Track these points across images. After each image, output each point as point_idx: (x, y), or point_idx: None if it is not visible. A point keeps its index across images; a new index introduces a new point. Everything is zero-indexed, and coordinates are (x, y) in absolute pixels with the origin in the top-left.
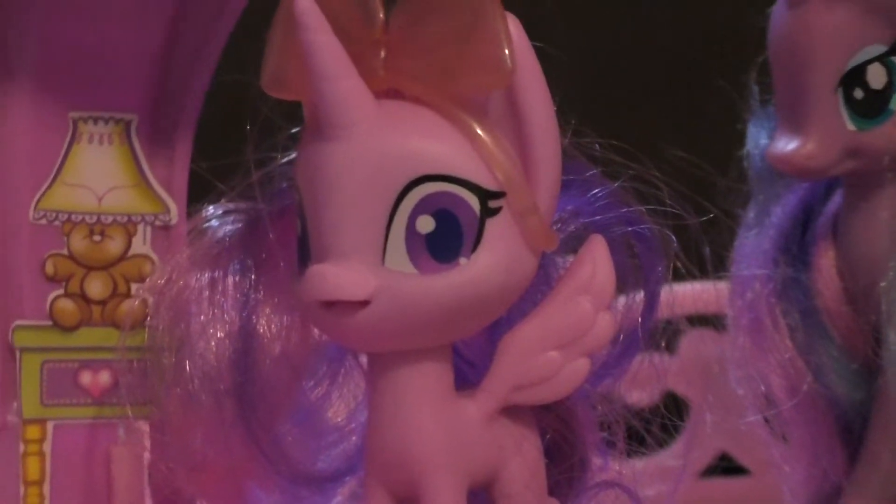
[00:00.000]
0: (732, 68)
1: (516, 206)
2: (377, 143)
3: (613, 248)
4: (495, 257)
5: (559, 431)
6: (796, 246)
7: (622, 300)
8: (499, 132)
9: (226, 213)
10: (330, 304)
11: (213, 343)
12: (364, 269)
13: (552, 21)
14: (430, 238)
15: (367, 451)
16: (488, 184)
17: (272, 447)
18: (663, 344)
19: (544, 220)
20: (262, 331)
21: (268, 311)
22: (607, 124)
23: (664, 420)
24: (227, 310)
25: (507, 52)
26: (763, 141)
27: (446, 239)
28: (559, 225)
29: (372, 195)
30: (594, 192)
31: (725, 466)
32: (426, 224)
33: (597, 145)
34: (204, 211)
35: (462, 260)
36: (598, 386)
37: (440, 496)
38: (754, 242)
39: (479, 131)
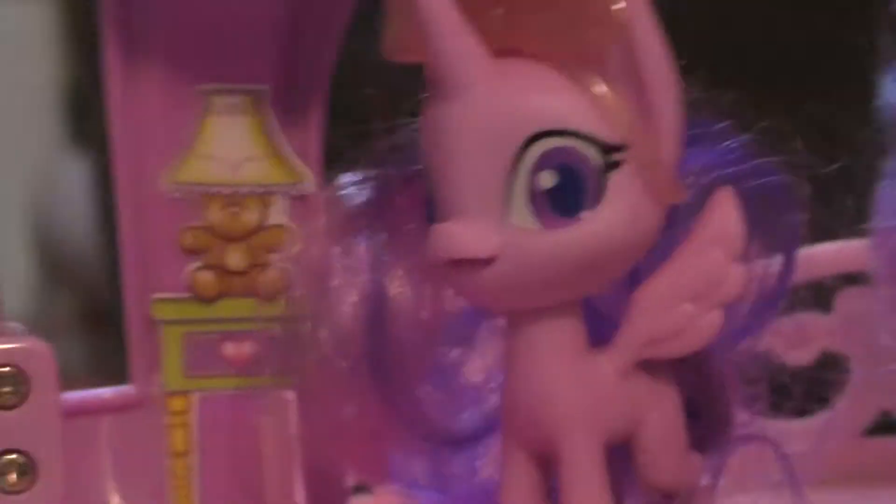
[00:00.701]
0: (869, 19)
1: (638, 158)
2: (495, 101)
3: (748, 201)
4: (619, 211)
5: (700, 387)
6: None
7: (761, 256)
8: (618, 85)
9: (358, 180)
10: (457, 263)
11: (346, 308)
12: (487, 226)
13: None
14: (552, 193)
15: (503, 410)
16: (609, 137)
17: (409, 410)
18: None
19: (668, 171)
20: (393, 294)
21: (399, 274)
22: (740, 78)
23: (822, 379)
24: (359, 275)
25: (619, 4)
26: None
27: (568, 193)
28: (691, 179)
29: (492, 152)
30: (727, 144)
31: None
32: (548, 179)
33: (728, 99)
34: (338, 180)
35: (585, 214)
36: (741, 342)
37: (577, 453)
38: (894, 193)
39: (598, 85)
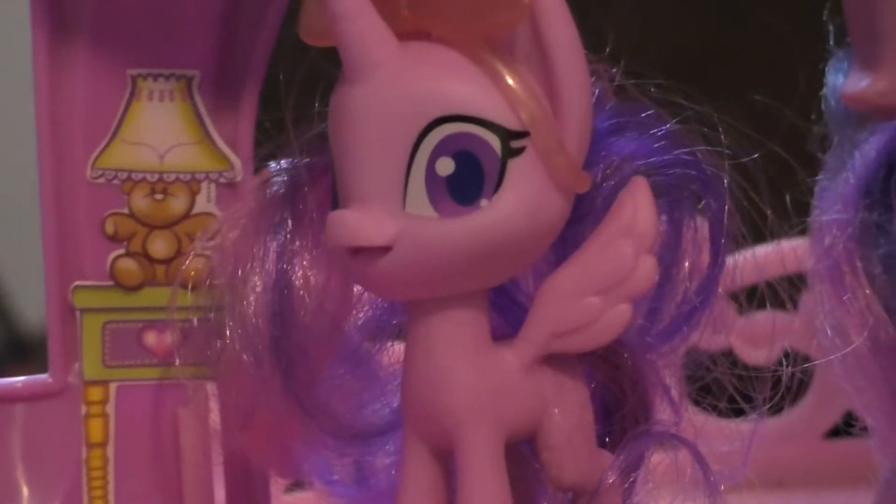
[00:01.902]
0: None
1: (541, 145)
2: (397, 85)
3: (671, 193)
4: (519, 198)
5: (614, 383)
6: (878, 189)
7: (692, 253)
8: (525, 70)
9: (273, 169)
10: (355, 251)
11: (252, 299)
12: (384, 214)
13: None
14: (451, 180)
15: (403, 401)
16: (511, 123)
17: (314, 403)
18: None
19: (572, 158)
20: (298, 284)
21: (305, 264)
22: (675, 65)
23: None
24: (265, 265)
25: None
26: (841, 82)
27: (466, 181)
28: (613, 168)
29: (391, 138)
30: (653, 133)
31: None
32: (446, 166)
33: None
34: (263, 168)
35: (483, 202)
36: (671, 341)
37: (474, 447)
38: (834, 187)
39: (502, 70)
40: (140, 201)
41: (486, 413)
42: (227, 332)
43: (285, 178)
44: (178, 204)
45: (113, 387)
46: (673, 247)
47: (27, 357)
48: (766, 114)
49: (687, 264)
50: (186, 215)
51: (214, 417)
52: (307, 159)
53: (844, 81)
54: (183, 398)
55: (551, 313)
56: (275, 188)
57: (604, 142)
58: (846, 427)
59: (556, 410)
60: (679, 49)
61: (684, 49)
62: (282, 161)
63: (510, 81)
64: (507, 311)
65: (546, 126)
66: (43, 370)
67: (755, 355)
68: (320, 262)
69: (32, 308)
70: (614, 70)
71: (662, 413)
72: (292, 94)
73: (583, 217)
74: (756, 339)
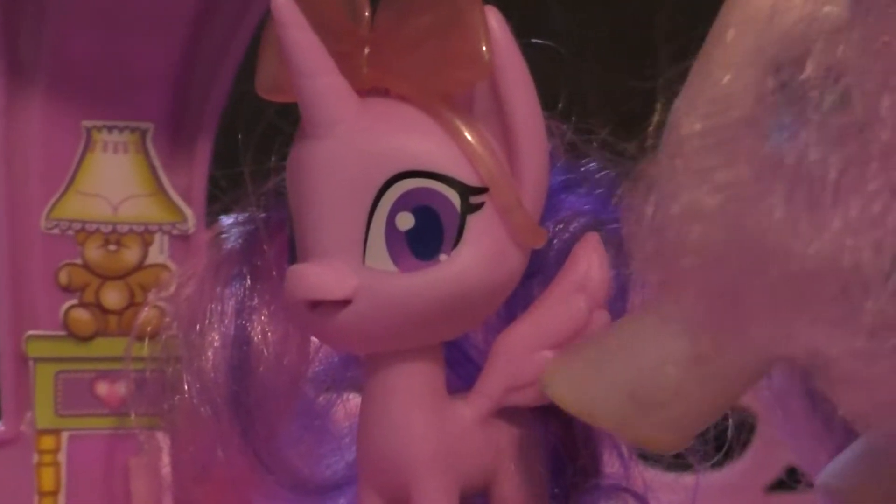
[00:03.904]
0: None
1: (499, 201)
2: (357, 141)
3: (621, 248)
4: (477, 254)
5: (566, 437)
6: None
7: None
8: (483, 127)
9: (231, 223)
10: (315, 305)
11: (210, 353)
12: (344, 267)
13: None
14: (410, 235)
15: (358, 454)
16: (470, 179)
17: (271, 457)
18: None
19: (529, 215)
20: (257, 340)
21: (264, 319)
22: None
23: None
24: (224, 320)
25: (483, 46)
26: None
27: (426, 236)
28: (562, 224)
29: (352, 193)
30: (604, 189)
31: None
32: (406, 221)
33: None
34: (215, 222)
35: (443, 257)
36: None
37: (429, 499)
38: None
39: (461, 127)
40: (94, 252)
41: (441, 465)
42: (185, 386)
43: (242, 233)
44: (131, 255)
45: (65, 436)
46: (621, 301)
47: None
48: None
49: None
50: (139, 266)
51: (166, 468)
52: (264, 213)
53: None
54: (134, 448)
55: (506, 367)
56: (232, 242)
57: (555, 198)
58: (790, 481)
59: (510, 463)
60: (626, 102)
61: (631, 103)
62: (239, 215)
63: (469, 138)
64: (458, 365)
65: (505, 182)
66: None
67: None
68: (278, 316)
69: None
70: (566, 127)
71: (612, 467)
72: (250, 149)
73: (534, 273)
74: None
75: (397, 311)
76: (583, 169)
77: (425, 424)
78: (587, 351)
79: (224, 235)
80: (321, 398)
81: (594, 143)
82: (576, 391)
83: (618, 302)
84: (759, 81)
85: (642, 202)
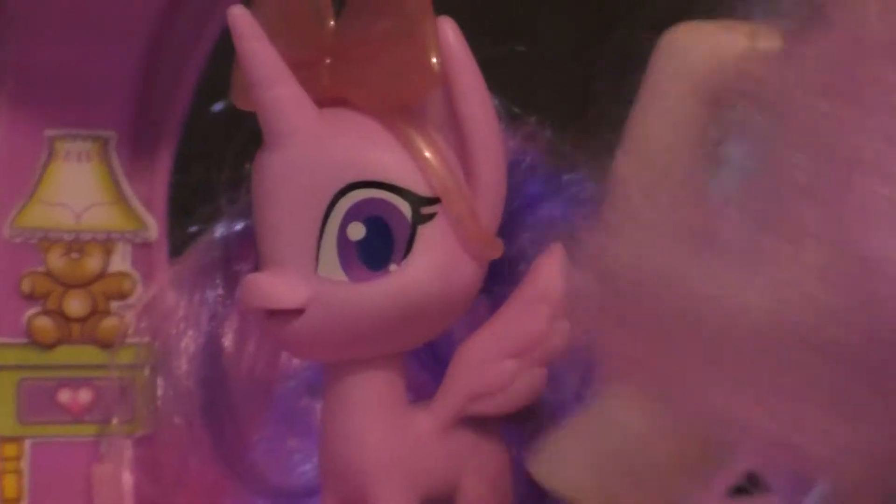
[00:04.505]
0: None
1: (452, 212)
2: (311, 151)
3: None
4: (428, 264)
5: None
6: None
7: None
8: (439, 138)
9: (202, 233)
10: (271, 314)
11: (184, 361)
12: (297, 277)
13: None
14: (361, 245)
15: (320, 461)
16: (422, 190)
17: (243, 464)
18: None
19: (483, 226)
20: (229, 348)
21: (237, 327)
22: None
23: None
24: (196, 328)
25: (433, 56)
26: None
27: (376, 246)
28: (541, 234)
29: (305, 202)
30: (576, 197)
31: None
32: (357, 231)
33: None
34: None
35: (392, 267)
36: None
37: None
38: None
39: (415, 137)
40: (56, 260)
41: (398, 473)
42: (159, 393)
43: (218, 241)
44: (93, 263)
45: (27, 443)
46: None
47: None
48: None
49: None
50: (102, 274)
51: (128, 475)
52: (241, 223)
53: None
54: (97, 455)
55: (467, 376)
56: (208, 252)
57: (533, 207)
58: (750, 486)
59: (473, 472)
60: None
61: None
62: (215, 225)
63: (422, 148)
64: (437, 372)
65: (457, 193)
66: None
67: None
68: (251, 325)
69: None
70: (549, 133)
71: None
72: (229, 158)
73: (507, 282)
74: None
75: (348, 321)
76: (562, 177)
77: (382, 433)
78: (566, 433)
79: (199, 244)
80: (296, 405)
81: (572, 150)
82: (558, 473)
83: None
84: (697, 127)
85: (589, 251)
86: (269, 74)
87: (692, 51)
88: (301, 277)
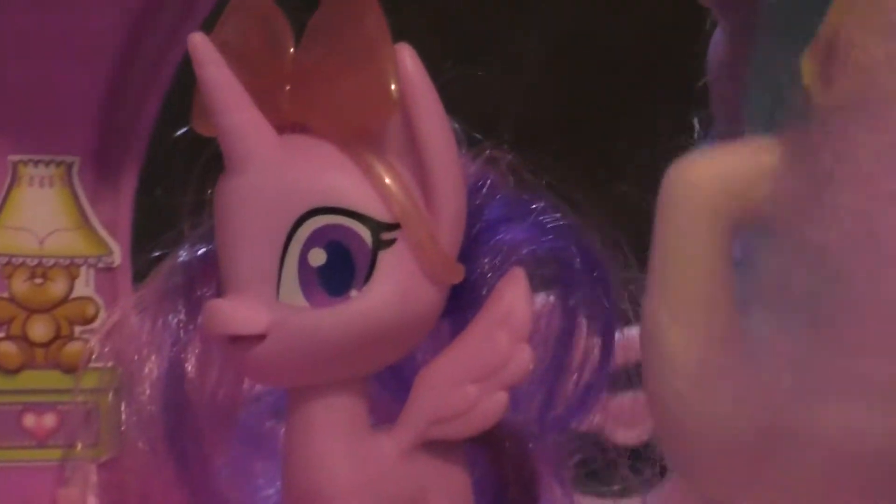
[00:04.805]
0: (682, 89)
1: (412, 237)
2: (273, 176)
3: (560, 280)
4: (389, 290)
5: (498, 468)
6: None
7: (580, 338)
8: (398, 163)
9: (166, 257)
10: (232, 339)
11: (147, 386)
12: (258, 303)
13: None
14: (322, 271)
15: (282, 486)
16: (382, 216)
17: (207, 488)
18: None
19: (443, 251)
20: (192, 374)
21: (198, 353)
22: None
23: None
24: (159, 353)
25: (391, 82)
26: None
27: (337, 272)
28: (502, 257)
29: (266, 229)
30: (541, 221)
31: None
32: (317, 257)
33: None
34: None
35: (353, 293)
36: (566, 426)
37: None
38: None
39: (374, 163)
40: (20, 285)
41: (360, 497)
42: (123, 418)
43: (181, 267)
44: (57, 288)
45: None
46: (567, 335)
47: None
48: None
49: (581, 352)
50: (65, 299)
51: (93, 499)
52: (203, 248)
53: None
54: (62, 480)
55: (428, 400)
56: (170, 276)
57: (494, 230)
58: None
59: (437, 497)
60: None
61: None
62: (177, 250)
63: (381, 174)
64: (400, 395)
65: (417, 219)
66: None
67: (627, 435)
68: (214, 349)
69: None
70: (510, 156)
71: (550, 498)
72: (191, 182)
73: (469, 306)
74: (627, 419)
75: (309, 347)
76: (525, 200)
77: (344, 458)
78: None
79: (162, 268)
80: (260, 428)
81: (537, 173)
82: None
83: (561, 337)
84: (722, 251)
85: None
86: (229, 100)
87: (702, 182)
88: (262, 303)
